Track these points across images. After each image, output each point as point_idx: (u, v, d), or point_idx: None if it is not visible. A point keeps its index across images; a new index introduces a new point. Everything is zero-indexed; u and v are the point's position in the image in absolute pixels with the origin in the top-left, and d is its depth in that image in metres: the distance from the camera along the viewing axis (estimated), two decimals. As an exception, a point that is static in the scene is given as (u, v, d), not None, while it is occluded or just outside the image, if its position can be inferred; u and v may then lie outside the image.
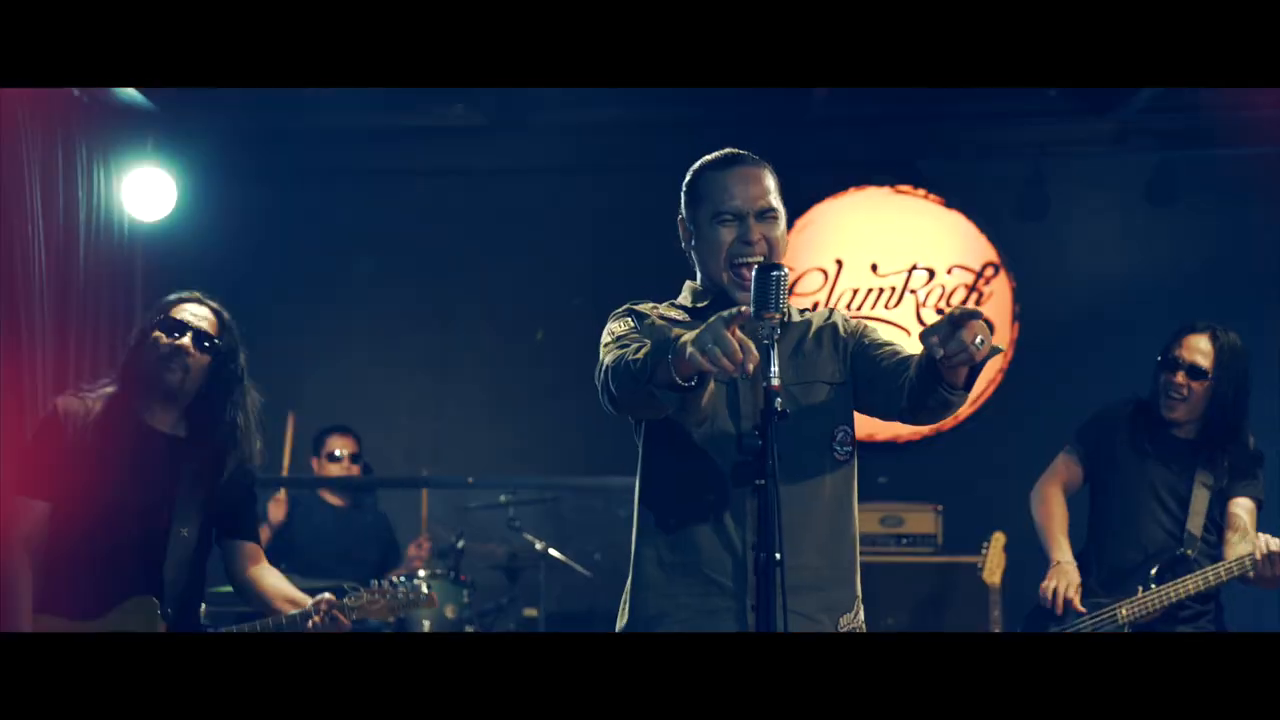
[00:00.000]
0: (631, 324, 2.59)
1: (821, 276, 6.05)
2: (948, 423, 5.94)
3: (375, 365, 6.30)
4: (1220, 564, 3.77)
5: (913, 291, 6.03)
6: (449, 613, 5.11)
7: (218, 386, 3.40)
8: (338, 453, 5.65)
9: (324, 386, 6.22)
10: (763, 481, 2.27)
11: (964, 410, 5.95)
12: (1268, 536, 3.69)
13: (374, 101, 5.89)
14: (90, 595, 3.26)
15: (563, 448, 5.98)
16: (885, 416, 2.61)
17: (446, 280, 6.37)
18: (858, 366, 2.62)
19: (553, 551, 5.35)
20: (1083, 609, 3.92)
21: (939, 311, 6.02)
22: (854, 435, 2.64)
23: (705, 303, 2.66)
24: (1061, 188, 6.11)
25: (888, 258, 6.05)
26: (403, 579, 3.48)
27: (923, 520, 5.61)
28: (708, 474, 2.53)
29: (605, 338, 2.60)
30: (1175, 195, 6.04)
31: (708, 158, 2.69)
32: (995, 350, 2.24)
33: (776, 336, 2.31)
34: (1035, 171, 6.08)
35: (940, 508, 5.60)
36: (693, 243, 2.68)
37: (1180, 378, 3.85)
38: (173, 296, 3.48)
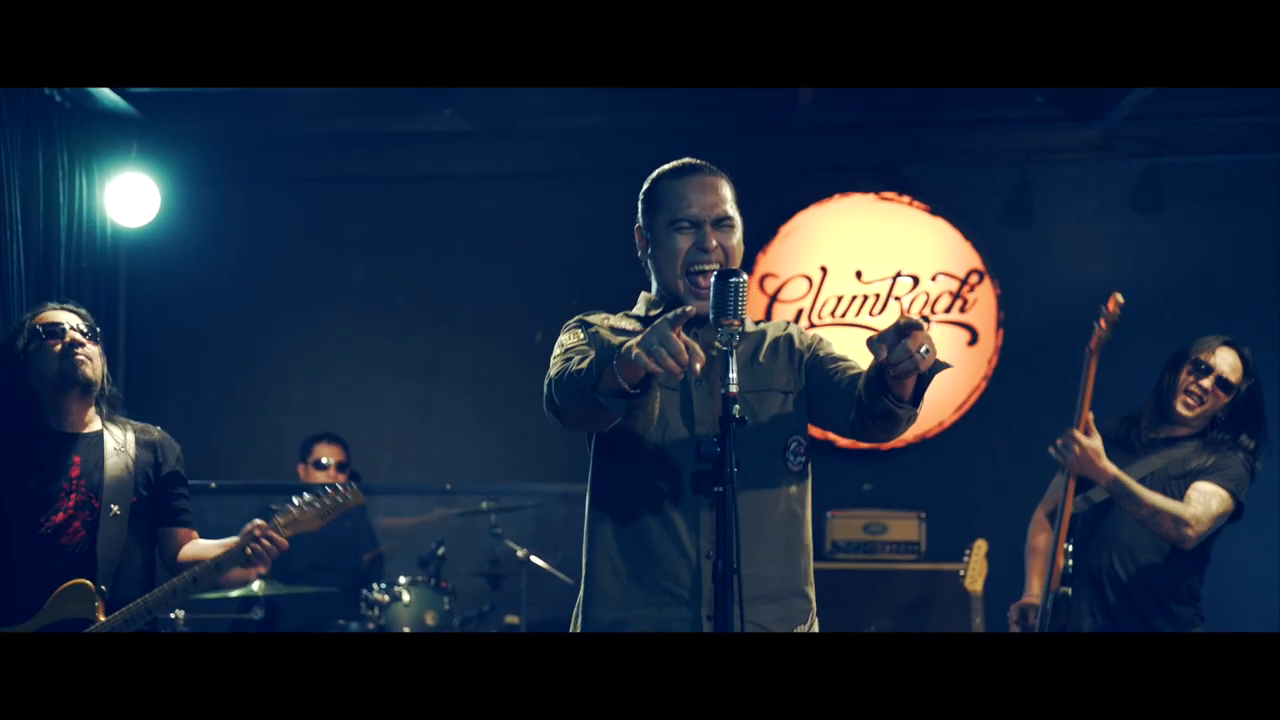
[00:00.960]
0: (581, 336, 2.59)
1: (806, 283, 6.04)
2: (932, 429, 5.98)
3: (362, 371, 6.29)
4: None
5: (897, 299, 6.02)
6: (429, 619, 5.11)
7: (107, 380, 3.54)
8: (324, 460, 5.64)
9: (310, 392, 6.22)
10: (721, 489, 2.26)
11: (948, 417, 5.99)
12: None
13: (360, 106, 5.89)
14: (33, 600, 3.32)
15: (550, 454, 5.96)
16: (836, 430, 2.60)
17: (434, 286, 6.35)
18: (812, 379, 2.62)
19: (534, 559, 5.34)
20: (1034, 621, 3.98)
21: (923, 319, 6.01)
22: (808, 445, 2.63)
23: (658, 311, 2.65)
24: (1047, 194, 6.10)
25: (872, 265, 6.04)
26: (327, 486, 3.46)
27: (906, 527, 5.60)
28: (662, 482, 2.52)
29: (555, 349, 2.60)
30: (1161, 202, 6.03)
31: (664, 167, 2.69)
32: (941, 366, 2.24)
33: (735, 343, 2.31)
34: (1021, 178, 6.08)
35: (923, 515, 5.60)
36: (649, 251, 2.68)
37: (1208, 383, 3.85)
38: (27, 314, 3.56)
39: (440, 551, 5.24)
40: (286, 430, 5.96)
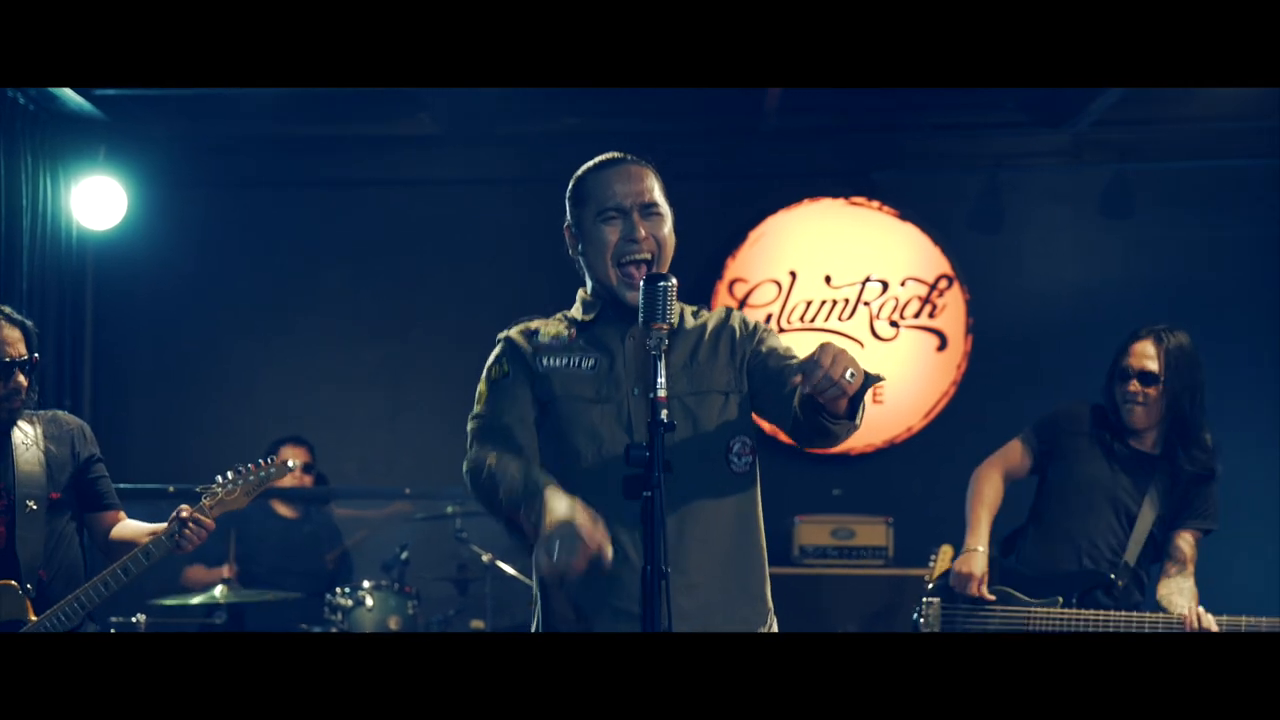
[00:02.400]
0: (505, 370, 2.60)
1: (775, 288, 6.04)
2: (900, 435, 5.98)
3: (331, 376, 6.27)
4: (1143, 616, 3.74)
5: (866, 304, 6.02)
6: (393, 624, 5.08)
7: (32, 388, 3.53)
8: (290, 463, 5.59)
9: (278, 396, 6.20)
10: (650, 493, 2.25)
11: (917, 423, 5.99)
12: (1200, 611, 3.68)
13: (329, 111, 5.88)
14: None
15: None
16: (783, 430, 2.58)
17: (404, 290, 6.34)
18: (754, 380, 2.58)
19: (500, 564, 5.32)
20: (990, 596, 3.89)
21: (892, 324, 6.01)
22: (753, 445, 2.58)
23: (592, 315, 2.63)
24: (1016, 200, 6.11)
25: (841, 269, 6.04)
26: (250, 463, 3.49)
27: (874, 533, 5.60)
28: (602, 494, 2.47)
29: (480, 382, 2.62)
30: (1130, 208, 6.04)
31: (589, 163, 2.67)
32: (872, 380, 2.22)
33: (664, 347, 2.31)
34: (990, 184, 6.09)
35: (891, 520, 5.60)
36: (580, 247, 2.65)
37: (1134, 386, 3.84)
38: None
39: (404, 556, 5.23)
40: (254, 435, 5.91)
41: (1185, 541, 3.85)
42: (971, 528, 4.03)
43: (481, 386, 2.61)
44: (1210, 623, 3.66)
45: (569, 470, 2.52)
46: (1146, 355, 3.85)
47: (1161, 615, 3.72)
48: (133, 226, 5.84)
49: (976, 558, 3.94)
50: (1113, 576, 3.82)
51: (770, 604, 2.61)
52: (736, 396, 2.57)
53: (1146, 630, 3.70)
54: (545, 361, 2.57)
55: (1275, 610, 5.42)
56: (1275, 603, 5.50)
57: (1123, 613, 3.74)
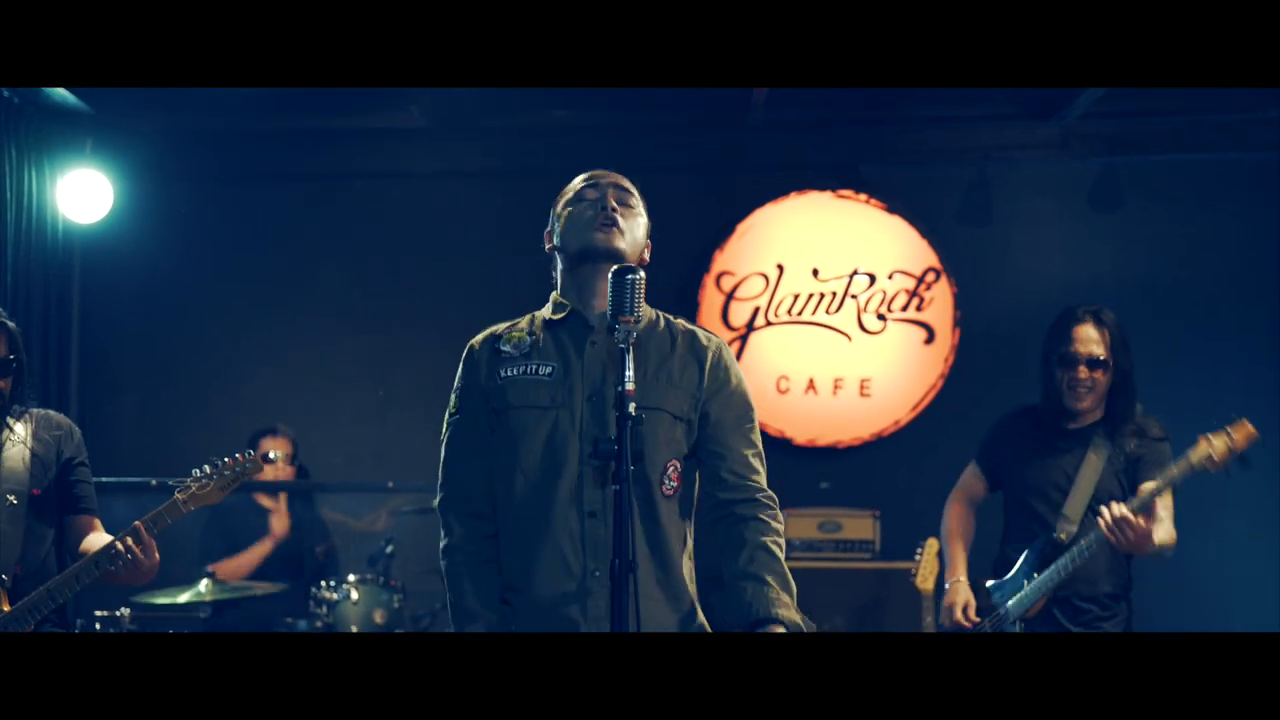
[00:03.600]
0: (461, 393, 2.69)
1: (763, 281, 6.03)
2: (887, 428, 5.98)
3: (318, 369, 6.27)
4: (1077, 546, 3.77)
5: (854, 297, 6.01)
6: (378, 618, 5.07)
7: (18, 388, 3.51)
8: (272, 454, 5.61)
9: (265, 390, 6.19)
10: (617, 486, 2.26)
11: (904, 416, 5.98)
12: (1115, 504, 3.68)
13: (317, 104, 5.87)
14: None
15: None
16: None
17: (391, 284, 6.33)
18: (700, 438, 2.65)
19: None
20: (978, 619, 3.93)
21: (880, 317, 6.00)
22: (683, 471, 2.63)
23: (561, 315, 2.67)
24: (1004, 193, 6.09)
25: (829, 262, 6.03)
26: (225, 457, 3.49)
27: (861, 526, 5.61)
28: (552, 499, 2.55)
29: (449, 403, 2.70)
30: (1118, 201, 6.03)
31: None
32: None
33: (632, 340, 2.32)
34: (979, 176, 6.07)
35: (878, 513, 5.60)
36: (556, 243, 2.71)
37: (1082, 372, 3.88)
38: None
39: (389, 549, 5.22)
40: (241, 428, 5.92)
41: (1148, 494, 3.78)
42: (949, 563, 4.18)
43: (449, 407, 2.73)
44: (1120, 510, 3.63)
45: (519, 474, 2.58)
46: (1091, 340, 3.90)
47: (1091, 538, 3.73)
48: (119, 220, 5.83)
49: (958, 589, 4.06)
50: (1055, 535, 3.84)
51: (704, 623, 2.68)
52: (683, 424, 2.61)
53: (1085, 559, 3.73)
54: (504, 372, 2.61)
55: (1273, 609, 5.47)
56: (1273, 601, 5.52)
57: (1065, 556, 3.78)
